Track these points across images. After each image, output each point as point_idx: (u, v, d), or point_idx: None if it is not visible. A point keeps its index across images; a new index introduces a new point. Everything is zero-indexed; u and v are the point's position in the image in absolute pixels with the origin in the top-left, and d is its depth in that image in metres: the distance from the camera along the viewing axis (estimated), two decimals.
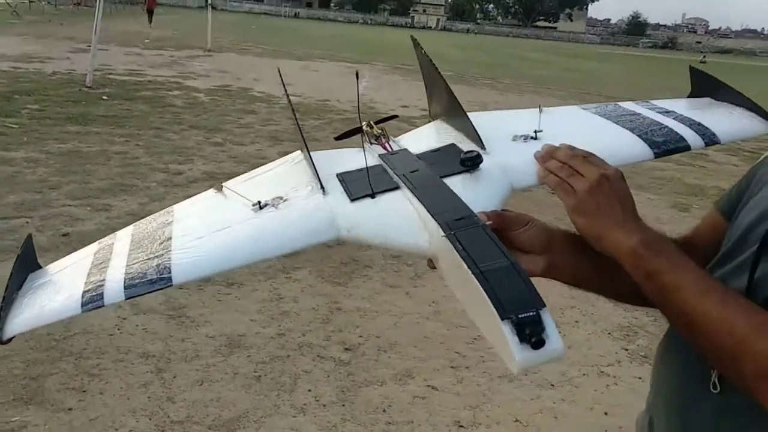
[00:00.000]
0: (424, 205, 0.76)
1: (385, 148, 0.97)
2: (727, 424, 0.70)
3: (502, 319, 0.57)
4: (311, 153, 0.89)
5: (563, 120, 1.02)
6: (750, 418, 0.66)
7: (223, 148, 6.64)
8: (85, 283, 0.74)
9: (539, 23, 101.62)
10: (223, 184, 0.91)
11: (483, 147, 0.89)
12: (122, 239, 0.85)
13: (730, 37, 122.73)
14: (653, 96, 1.18)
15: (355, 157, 0.96)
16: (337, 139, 1.17)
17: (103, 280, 0.73)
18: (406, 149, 0.97)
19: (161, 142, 6.64)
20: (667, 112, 1.00)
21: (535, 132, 0.93)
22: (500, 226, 0.74)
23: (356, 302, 3.43)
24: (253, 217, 0.80)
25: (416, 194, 0.79)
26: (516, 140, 0.93)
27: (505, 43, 54.85)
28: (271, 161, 1.06)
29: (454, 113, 0.98)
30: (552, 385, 2.80)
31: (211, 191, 0.93)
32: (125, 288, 0.70)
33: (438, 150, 0.93)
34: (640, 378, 2.90)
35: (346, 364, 2.83)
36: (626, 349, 3.16)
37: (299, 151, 1.01)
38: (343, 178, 0.86)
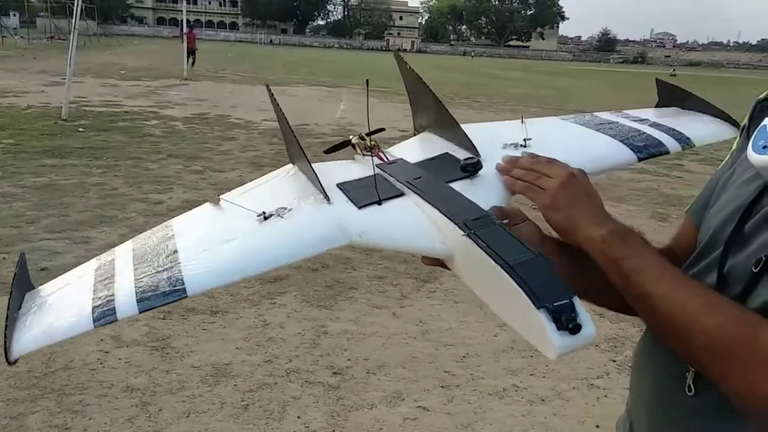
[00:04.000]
0: (436, 207, 0.77)
1: (380, 158, 0.97)
2: (701, 426, 0.71)
3: (538, 308, 0.59)
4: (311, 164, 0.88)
5: (547, 129, 1.05)
6: (723, 419, 0.67)
7: (203, 175, 6.60)
8: (93, 299, 0.71)
9: (512, 42, 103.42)
10: (220, 196, 0.89)
11: (478, 154, 0.89)
12: (122, 255, 0.82)
13: (698, 50, 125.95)
14: (628, 108, 1.21)
15: (351, 168, 0.95)
16: (326, 152, 1.16)
17: (112, 294, 0.70)
18: (402, 159, 0.96)
19: (140, 171, 6.58)
20: (641, 120, 1.04)
21: (524, 140, 0.95)
22: (500, 219, 0.77)
23: (343, 325, 3.41)
24: (259, 227, 0.78)
25: (425, 198, 0.79)
26: (506, 148, 0.94)
27: (479, 62, 55.62)
28: None
29: (443, 124, 0.99)
30: (543, 400, 2.79)
31: (207, 205, 0.90)
32: (138, 301, 0.67)
33: (433, 159, 0.94)
34: (629, 389, 2.90)
35: (335, 388, 2.79)
36: (614, 361, 3.17)
37: (290, 164, 1.00)
38: (345, 187, 0.85)
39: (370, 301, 3.73)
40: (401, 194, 0.83)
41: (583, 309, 0.60)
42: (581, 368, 3.08)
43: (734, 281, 0.68)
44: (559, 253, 0.80)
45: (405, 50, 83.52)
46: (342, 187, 0.85)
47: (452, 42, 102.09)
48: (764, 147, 0.68)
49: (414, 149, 1.02)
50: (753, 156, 0.69)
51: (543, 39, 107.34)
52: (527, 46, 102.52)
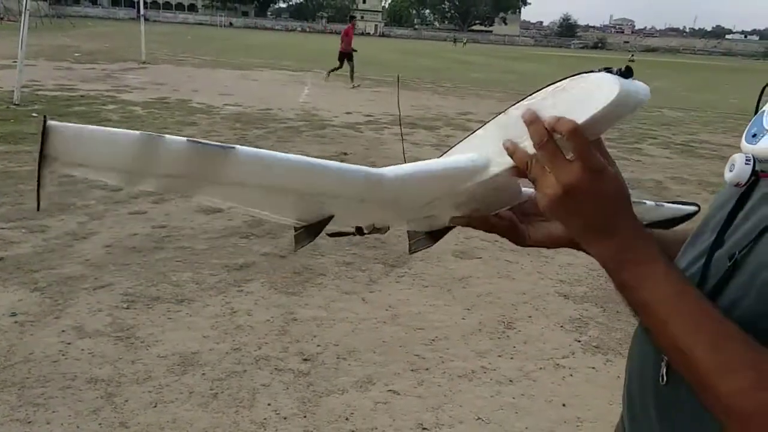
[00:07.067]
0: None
1: None
2: (672, 418, 0.69)
3: (597, 71, 0.62)
4: None
5: None
6: (694, 412, 0.64)
7: None
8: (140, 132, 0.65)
9: (475, 27, 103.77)
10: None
11: None
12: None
13: (656, 36, 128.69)
14: None
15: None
16: None
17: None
18: None
19: None
20: None
21: None
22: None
23: (312, 311, 3.39)
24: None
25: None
26: None
27: (443, 47, 55.65)
28: None
29: None
30: (511, 380, 2.84)
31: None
32: (187, 139, 0.62)
33: None
34: (593, 368, 2.97)
35: (306, 374, 2.78)
36: (579, 341, 3.24)
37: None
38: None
39: (339, 287, 3.72)
40: None
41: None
42: (547, 349, 3.14)
43: (713, 275, 0.65)
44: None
45: (368, 34, 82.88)
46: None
47: (416, 26, 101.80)
48: (754, 135, 0.65)
49: None
50: (744, 145, 0.66)
51: (505, 24, 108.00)
52: (490, 31, 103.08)
